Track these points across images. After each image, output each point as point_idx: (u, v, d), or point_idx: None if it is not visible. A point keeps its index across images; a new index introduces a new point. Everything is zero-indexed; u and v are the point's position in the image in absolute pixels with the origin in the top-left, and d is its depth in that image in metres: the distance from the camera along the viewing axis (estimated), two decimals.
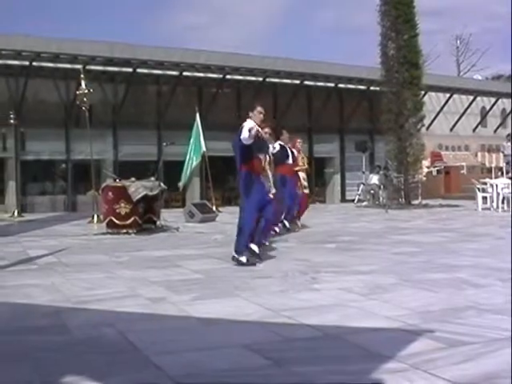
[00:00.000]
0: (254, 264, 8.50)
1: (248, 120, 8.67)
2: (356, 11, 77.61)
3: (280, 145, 12.55)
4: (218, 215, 17.86)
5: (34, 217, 19.30)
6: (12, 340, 4.77)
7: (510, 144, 24.22)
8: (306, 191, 14.31)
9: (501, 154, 27.16)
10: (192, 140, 20.62)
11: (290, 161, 13.24)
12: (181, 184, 20.61)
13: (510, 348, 4.23)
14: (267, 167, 9.16)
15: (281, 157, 12.24)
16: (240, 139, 8.41)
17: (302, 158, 14.35)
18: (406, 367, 3.91)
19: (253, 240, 8.67)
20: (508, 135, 25.62)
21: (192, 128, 20.75)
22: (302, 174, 14.02)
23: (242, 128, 8.48)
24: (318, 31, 78.84)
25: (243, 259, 8.51)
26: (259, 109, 8.84)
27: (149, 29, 69.89)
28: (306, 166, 14.48)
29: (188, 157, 20.56)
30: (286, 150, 13.04)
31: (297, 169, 13.62)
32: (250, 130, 8.25)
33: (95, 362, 4.18)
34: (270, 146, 9.71)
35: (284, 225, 12.98)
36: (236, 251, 8.61)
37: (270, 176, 9.19)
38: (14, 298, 6.30)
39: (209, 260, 9.17)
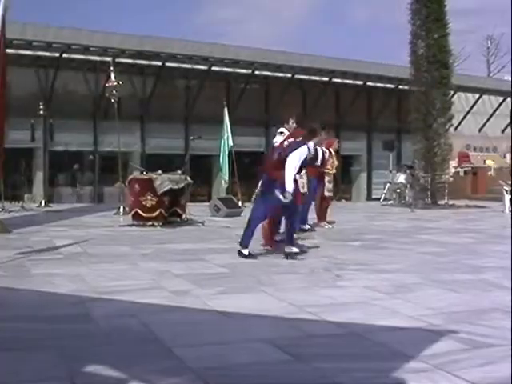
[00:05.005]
0: (256, 257, 8.72)
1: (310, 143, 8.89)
2: (387, 9, 77.10)
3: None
4: (244, 210, 17.86)
5: (61, 207, 19.43)
6: (38, 328, 4.81)
7: None
8: (329, 194, 14.00)
9: None
10: (225, 135, 20.67)
11: (318, 162, 12.85)
12: (225, 179, 20.72)
13: None
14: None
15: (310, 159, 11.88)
16: (290, 155, 8.50)
17: (333, 162, 13.91)
18: (428, 367, 3.89)
19: (293, 243, 8.85)
20: None
21: (221, 123, 20.79)
22: (326, 177, 13.79)
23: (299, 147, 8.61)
24: (348, 28, 78.47)
25: (246, 252, 8.73)
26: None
27: (178, 22, 70.10)
28: (334, 170, 14.14)
29: (222, 152, 20.64)
30: (317, 152, 12.64)
31: (322, 170, 13.26)
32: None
33: (119, 351, 4.22)
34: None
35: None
36: (241, 244, 8.82)
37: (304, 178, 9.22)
38: (40, 287, 6.36)
39: (234, 254, 9.16)
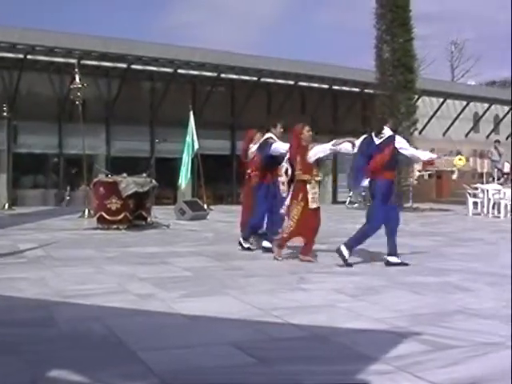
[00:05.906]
0: (407, 264, 8.44)
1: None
2: (352, 13, 77.60)
3: None
4: (209, 213, 17.85)
5: (25, 210, 19.24)
6: (0, 332, 4.75)
7: (497, 150, 24.47)
8: None
9: (488, 160, 27.34)
10: (188, 138, 20.54)
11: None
12: (181, 184, 20.55)
13: (496, 353, 4.26)
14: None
15: None
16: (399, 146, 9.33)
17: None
18: (392, 369, 3.91)
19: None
20: (496, 141, 25.81)
21: (186, 126, 20.71)
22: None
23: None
24: (314, 32, 78.81)
25: (396, 259, 8.46)
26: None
27: (144, 25, 69.87)
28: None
29: (185, 155, 20.46)
30: None
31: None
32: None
33: (82, 356, 4.18)
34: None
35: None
36: (391, 254, 8.51)
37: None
38: (2, 291, 6.28)
39: (199, 258, 9.17)
